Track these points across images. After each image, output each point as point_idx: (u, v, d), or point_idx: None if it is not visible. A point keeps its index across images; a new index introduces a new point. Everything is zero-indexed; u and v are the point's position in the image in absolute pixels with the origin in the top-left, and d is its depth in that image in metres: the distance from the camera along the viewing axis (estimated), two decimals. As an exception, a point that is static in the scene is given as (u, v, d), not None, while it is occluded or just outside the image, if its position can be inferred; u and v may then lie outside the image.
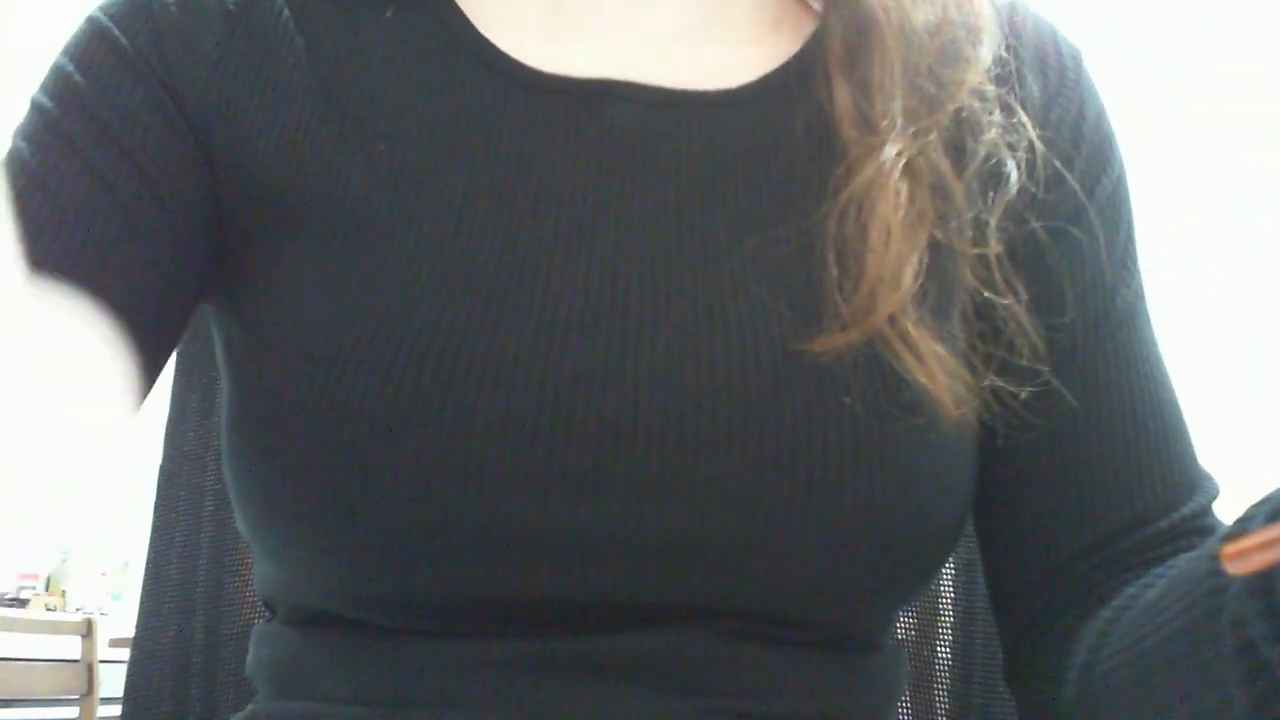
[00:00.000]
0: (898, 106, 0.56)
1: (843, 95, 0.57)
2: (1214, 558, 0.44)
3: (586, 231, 0.53)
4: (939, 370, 0.52)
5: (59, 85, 0.57)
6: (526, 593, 0.50)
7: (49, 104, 0.56)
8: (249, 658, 0.59)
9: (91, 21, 0.58)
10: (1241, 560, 0.37)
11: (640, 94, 0.56)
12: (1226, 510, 0.56)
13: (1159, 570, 0.54)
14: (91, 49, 0.57)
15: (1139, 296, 0.61)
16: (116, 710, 0.74)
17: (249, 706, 0.57)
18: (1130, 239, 0.62)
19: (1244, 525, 0.42)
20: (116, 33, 0.57)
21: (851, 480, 0.50)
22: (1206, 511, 0.58)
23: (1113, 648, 0.52)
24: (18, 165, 0.55)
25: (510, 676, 0.50)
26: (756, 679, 0.51)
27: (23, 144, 0.55)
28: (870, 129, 0.56)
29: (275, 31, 0.58)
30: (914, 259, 0.53)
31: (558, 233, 0.53)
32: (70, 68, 0.57)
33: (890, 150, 0.55)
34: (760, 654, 0.51)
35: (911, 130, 0.56)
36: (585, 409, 0.49)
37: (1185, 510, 0.57)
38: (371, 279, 0.52)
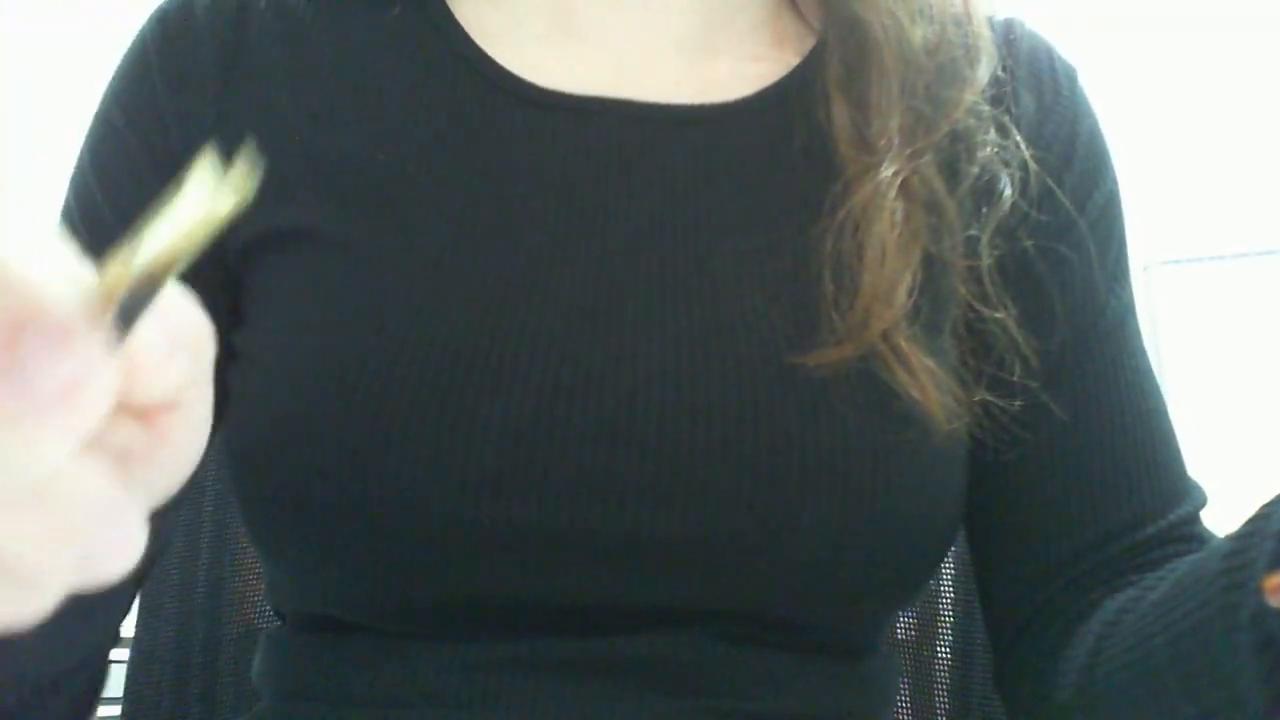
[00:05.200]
0: (894, 126, 0.56)
1: (841, 114, 0.57)
2: (1227, 557, 0.44)
3: (582, 242, 0.53)
4: (930, 385, 0.52)
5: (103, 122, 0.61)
6: (524, 596, 0.50)
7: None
8: (256, 663, 0.59)
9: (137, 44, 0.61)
10: None
11: (636, 109, 0.57)
12: (1220, 517, 0.56)
13: (1158, 574, 0.54)
14: (131, 76, 0.60)
15: (1128, 309, 0.62)
16: (116, 710, 0.74)
17: (255, 708, 0.57)
18: (1121, 253, 0.63)
19: (1260, 524, 0.42)
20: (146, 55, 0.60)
21: (843, 489, 0.50)
22: (1195, 519, 0.58)
23: (1116, 648, 0.52)
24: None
25: (511, 678, 0.50)
26: (752, 681, 0.52)
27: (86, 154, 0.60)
28: (867, 148, 0.56)
29: (271, 48, 0.58)
30: (908, 276, 0.54)
31: (554, 243, 0.53)
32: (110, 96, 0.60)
33: (887, 170, 0.55)
34: (756, 656, 0.52)
35: (908, 150, 0.56)
36: (581, 415, 0.49)
37: (1173, 516, 0.57)
38: (371, 288, 0.52)
